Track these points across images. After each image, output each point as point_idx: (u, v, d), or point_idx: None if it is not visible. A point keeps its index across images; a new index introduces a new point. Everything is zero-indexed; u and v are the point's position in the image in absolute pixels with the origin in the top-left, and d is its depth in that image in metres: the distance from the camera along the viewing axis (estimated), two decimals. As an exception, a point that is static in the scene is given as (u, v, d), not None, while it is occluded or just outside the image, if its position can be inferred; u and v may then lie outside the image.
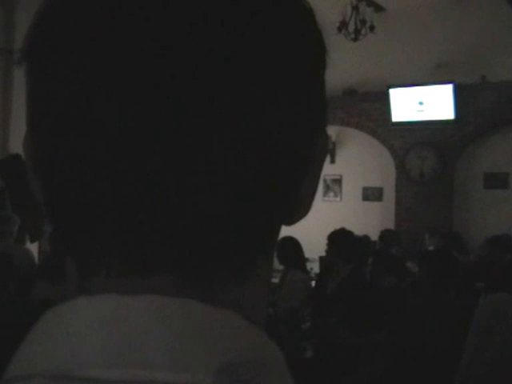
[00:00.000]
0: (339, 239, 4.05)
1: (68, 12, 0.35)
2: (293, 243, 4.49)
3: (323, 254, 4.43)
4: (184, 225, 0.34)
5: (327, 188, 9.24)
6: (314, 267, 6.25)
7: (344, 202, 9.21)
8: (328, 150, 0.40)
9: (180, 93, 0.32)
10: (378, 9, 8.11)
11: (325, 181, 9.14)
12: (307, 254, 5.00)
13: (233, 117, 0.33)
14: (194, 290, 0.34)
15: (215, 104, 0.33)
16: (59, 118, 0.34)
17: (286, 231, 0.41)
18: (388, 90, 8.37)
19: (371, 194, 9.08)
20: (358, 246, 4.45)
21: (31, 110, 0.37)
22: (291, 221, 0.40)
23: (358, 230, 6.31)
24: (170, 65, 0.32)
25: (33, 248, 5.68)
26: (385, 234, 6.98)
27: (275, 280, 4.33)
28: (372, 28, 7.19)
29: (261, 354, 0.34)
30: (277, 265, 4.48)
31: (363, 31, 7.19)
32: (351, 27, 7.18)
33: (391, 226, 8.20)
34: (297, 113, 0.36)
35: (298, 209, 0.39)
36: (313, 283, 4.70)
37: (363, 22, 7.18)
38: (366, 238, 6.81)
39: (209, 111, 0.33)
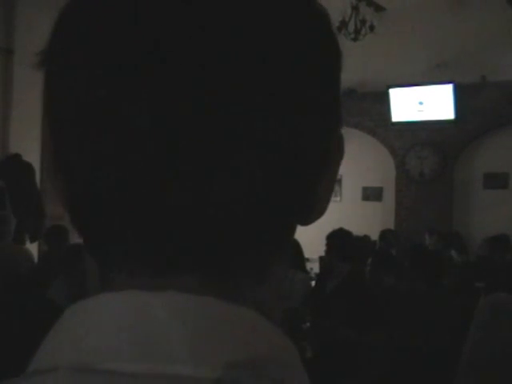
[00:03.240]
0: (338, 239, 4.05)
1: (91, 14, 0.35)
2: (293, 243, 4.48)
3: (323, 254, 4.43)
4: (205, 225, 0.34)
5: (327, 188, 9.23)
6: (314, 267, 6.25)
7: (344, 202, 9.20)
8: (343, 151, 0.41)
9: (201, 98, 0.33)
10: (378, 9, 8.11)
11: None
12: (307, 254, 5.00)
13: (249, 121, 0.34)
14: (214, 289, 0.35)
15: (232, 110, 0.33)
16: (83, 120, 0.34)
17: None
18: (388, 89, 8.37)
19: (371, 194, 9.09)
20: (356, 245, 4.45)
21: (53, 112, 0.37)
22: (307, 221, 0.40)
23: (357, 230, 6.31)
24: (191, 71, 0.33)
25: (33, 248, 5.68)
26: (385, 234, 6.98)
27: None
28: (372, 28, 7.19)
29: (278, 351, 0.35)
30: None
31: (363, 31, 7.20)
32: (351, 27, 7.19)
33: (391, 226, 8.21)
34: (311, 115, 0.37)
35: (314, 209, 0.40)
36: (313, 283, 4.70)
37: (363, 21, 7.19)
38: (366, 237, 6.81)
39: (226, 116, 0.33)
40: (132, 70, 0.33)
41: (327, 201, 0.41)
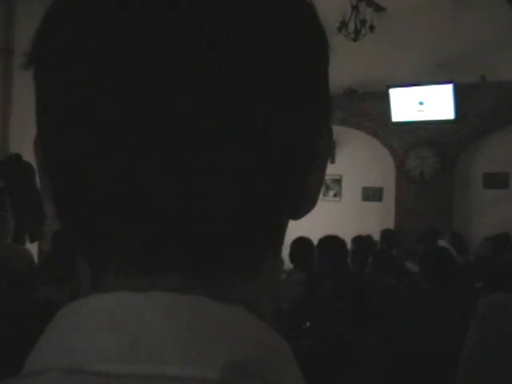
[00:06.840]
0: (327, 247, 4.05)
1: (75, 14, 0.35)
2: (307, 244, 4.46)
3: (323, 254, 4.43)
4: (193, 223, 0.34)
5: (327, 188, 9.23)
6: (314, 267, 6.25)
7: (344, 202, 9.21)
8: (333, 145, 0.41)
9: (184, 96, 0.33)
10: (378, 9, 8.10)
11: (325, 181, 9.08)
12: (307, 254, 5.00)
13: (236, 116, 0.33)
14: (203, 287, 0.35)
15: (218, 103, 0.33)
16: (68, 119, 0.34)
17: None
18: (388, 89, 8.37)
19: (371, 194, 9.08)
20: (347, 250, 4.46)
21: (40, 112, 0.37)
22: (298, 215, 0.40)
23: (357, 230, 6.31)
24: (174, 70, 0.33)
25: (33, 248, 5.68)
26: (386, 234, 6.97)
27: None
28: (372, 28, 7.19)
29: (269, 350, 0.34)
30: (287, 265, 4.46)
31: (363, 31, 7.19)
32: (351, 27, 7.18)
33: (391, 226, 8.20)
34: (300, 109, 0.36)
35: (305, 203, 0.39)
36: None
37: (363, 21, 7.18)
38: (369, 238, 6.78)
39: (212, 110, 0.33)
40: (115, 70, 0.33)
41: (317, 195, 0.40)
